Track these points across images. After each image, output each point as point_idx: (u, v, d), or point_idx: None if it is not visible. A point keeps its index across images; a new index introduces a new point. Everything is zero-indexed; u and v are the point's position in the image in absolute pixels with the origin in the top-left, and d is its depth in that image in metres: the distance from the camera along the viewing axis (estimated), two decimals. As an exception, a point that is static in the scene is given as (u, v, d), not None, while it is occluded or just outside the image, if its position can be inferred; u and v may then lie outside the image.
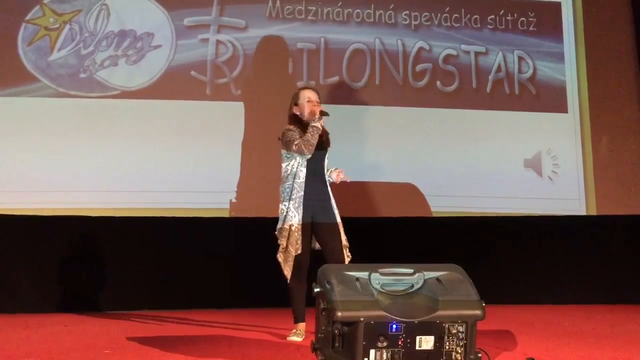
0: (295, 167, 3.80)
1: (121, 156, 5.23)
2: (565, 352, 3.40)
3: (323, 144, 3.89)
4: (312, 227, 3.84)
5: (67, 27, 5.29)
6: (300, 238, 3.77)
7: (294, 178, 3.79)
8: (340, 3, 5.70)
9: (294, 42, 5.61)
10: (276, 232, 3.86)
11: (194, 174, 5.31)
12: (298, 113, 3.90)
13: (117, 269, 5.29)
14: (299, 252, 3.77)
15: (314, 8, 5.66)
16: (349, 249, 3.91)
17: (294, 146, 3.76)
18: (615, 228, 5.85)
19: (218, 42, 5.49)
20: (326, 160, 3.94)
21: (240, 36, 5.53)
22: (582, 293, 5.69)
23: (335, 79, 5.60)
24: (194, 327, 4.39)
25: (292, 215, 3.78)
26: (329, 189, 3.93)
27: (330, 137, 3.99)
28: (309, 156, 3.78)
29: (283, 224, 3.81)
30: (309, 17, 5.66)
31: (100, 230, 5.23)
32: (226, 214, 5.32)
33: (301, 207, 3.77)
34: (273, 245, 5.34)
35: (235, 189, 5.34)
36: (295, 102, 3.93)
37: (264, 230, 5.37)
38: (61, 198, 5.14)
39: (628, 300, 5.64)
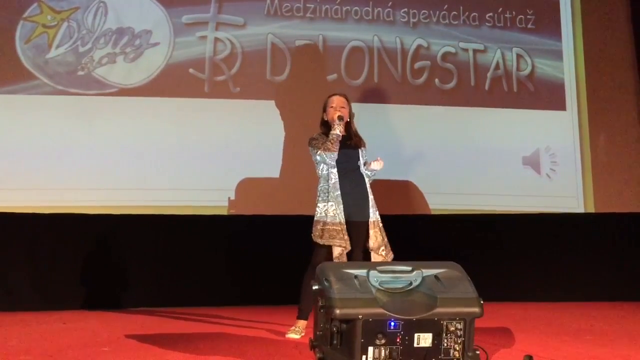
0: (326, 170, 3.99)
1: (119, 154, 5.23)
2: (563, 350, 3.40)
3: (351, 144, 4.06)
4: (347, 225, 3.94)
5: (65, 24, 5.28)
6: (335, 235, 3.87)
7: (327, 181, 3.97)
8: (339, 0, 5.69)
9: (292, 39, 5.60)
10: (312, 234, 3.94)
11: (192, 172, 5.30)
12: (326, 119, 4.11)
13: (116, 266, 5.29)
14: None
15: (312, 5, 5.65)
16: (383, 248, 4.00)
17: (317, 156, 4.00)
18: (613, 225, 5.85)
19: (216, 39, 5.48)
20: (361, 159, 4.08)
21: (238, 34, 5.52)
22: (580, 290, 5.69)
23: (334, 76, 5.60)
24: (193, 324, 4.39)
25: (331, 214, 3.90)
26: (367, 187, 4.04)
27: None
28: (332, 161, 3.97)
29: (321, 224, 3.91)
30: (307, 15, 5.65)
31: (98, 228, 5.21)
32: (224, 212, 5.33)
33: (340, 206, 3.91)
34: (272, 243, 5.40)
35: (234, 187, 5.34)
36: (324, 108, 4.14)
37: (262, 228, 5.43)
38: (59, 196, 5.13)
39: (626, 297, 5.64)
